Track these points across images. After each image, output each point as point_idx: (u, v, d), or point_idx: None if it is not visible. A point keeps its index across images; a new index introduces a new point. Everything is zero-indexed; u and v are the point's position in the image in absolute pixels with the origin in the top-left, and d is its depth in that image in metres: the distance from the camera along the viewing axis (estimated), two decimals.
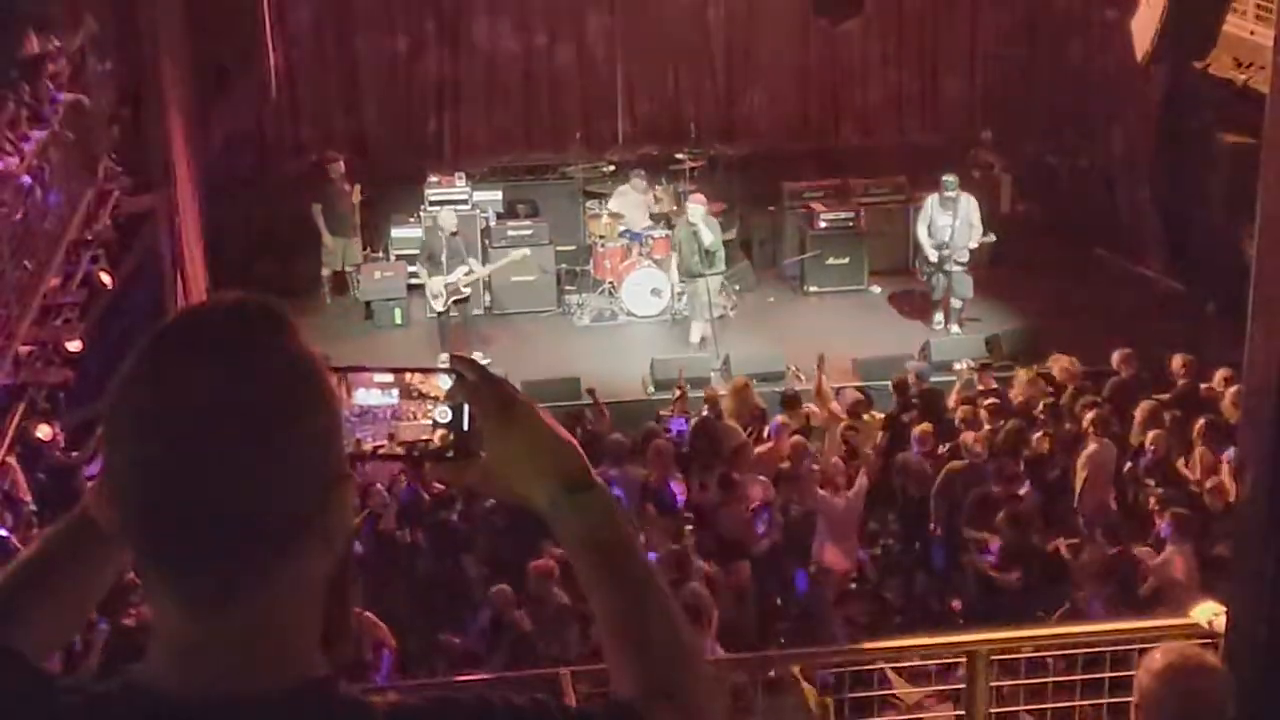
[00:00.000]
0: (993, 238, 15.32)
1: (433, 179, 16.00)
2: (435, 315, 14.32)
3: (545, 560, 8.57)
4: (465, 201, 15.73)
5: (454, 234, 14.33)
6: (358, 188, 15.89)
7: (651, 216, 15.86)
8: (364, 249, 15.96)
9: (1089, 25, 16.97)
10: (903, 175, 16.36)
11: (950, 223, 14.65)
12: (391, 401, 1.67)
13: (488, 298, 15.62)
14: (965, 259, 14.72)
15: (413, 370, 1.69)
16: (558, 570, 8.47)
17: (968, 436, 10.90)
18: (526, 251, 15.12)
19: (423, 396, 1.65)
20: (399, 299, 15.31)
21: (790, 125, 17.87)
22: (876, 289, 16.02)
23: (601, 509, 1.59)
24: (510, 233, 15.60)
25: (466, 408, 1.61)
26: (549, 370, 13.34)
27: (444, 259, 14.15)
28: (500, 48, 17.32)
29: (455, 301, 14.24)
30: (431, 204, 15.49)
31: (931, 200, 14.84)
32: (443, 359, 13.91)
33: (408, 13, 17.12)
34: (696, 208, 14.34)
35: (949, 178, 14.80)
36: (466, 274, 14.31)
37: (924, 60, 17.69)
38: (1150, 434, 10.57)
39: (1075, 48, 17.28)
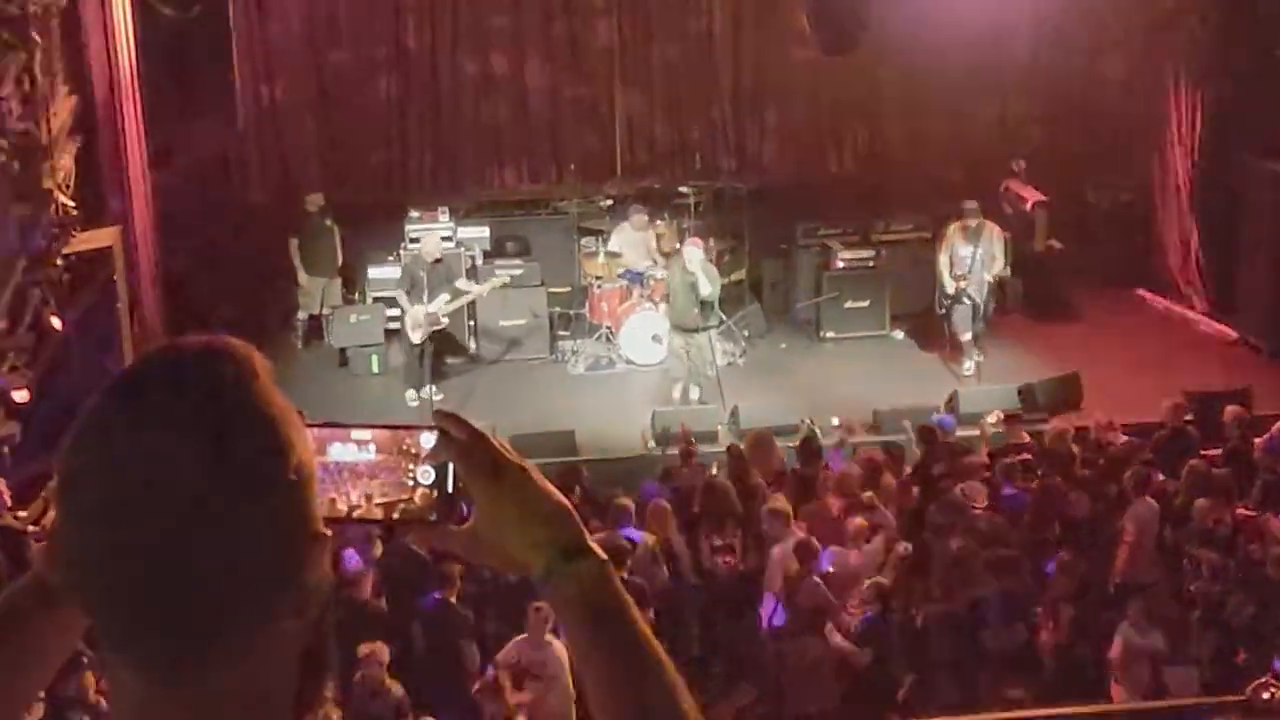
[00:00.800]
0: (1009, 273, 15.37)
1: (414, 214, 16.12)
2: (413, 346, 14.35)
3: (376, 646, 8.72)
4: (450, 238, 15.81)
5: (437, 261, 14.42)
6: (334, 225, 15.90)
7: (652, 256, 15.88)
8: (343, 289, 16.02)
9: (1127, 48, 17.05)
10: (926, 212, 16.49)
11: (971, 253, 14.76)
12: (369, 459, 1.65)
13: (474, 343, 15.68)
14: (984, 293, 14.82)
15: (393, 426, 1.67)
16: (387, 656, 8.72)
17: (970, 487, 10.86)
18: (506, 278, 15.15)
19: (403, 454, 1.65)
20: (376, 345, 15.35)
21: (804, 156, 17.90)
22: (898, 334, 16.08)
23: (597, 576, 1.60)
24: (498, 272, 15.61)
25: (451, 467, 1.62)
26: (540, 422, 13.34)
27: (425, 288, 14.21)
28: (489, 73, 17.38)
29: (434, 332, 14.34)
30: (412, 241, 15.55)
31: (953, 229, 14.95)
32: (409, 397, 13.82)
33: (389, 38, 17.17)
34: (694, 252, 14.04)
35: (970, 204, 14.89)
36: (447, 303, 14.39)
37: (948, 86, 17.68)
38: (1197, 502, 10.51)
39: (1112, 72, 17.34)
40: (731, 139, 17.85)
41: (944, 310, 15.06)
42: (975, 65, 17.47)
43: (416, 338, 14.27)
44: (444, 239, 15.48)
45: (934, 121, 17.60)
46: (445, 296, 14.37)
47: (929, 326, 15.64)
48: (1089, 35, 17.24)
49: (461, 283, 14.74)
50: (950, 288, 14.82)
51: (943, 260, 14.94)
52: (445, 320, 14.48)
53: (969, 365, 14.88)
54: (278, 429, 1.38)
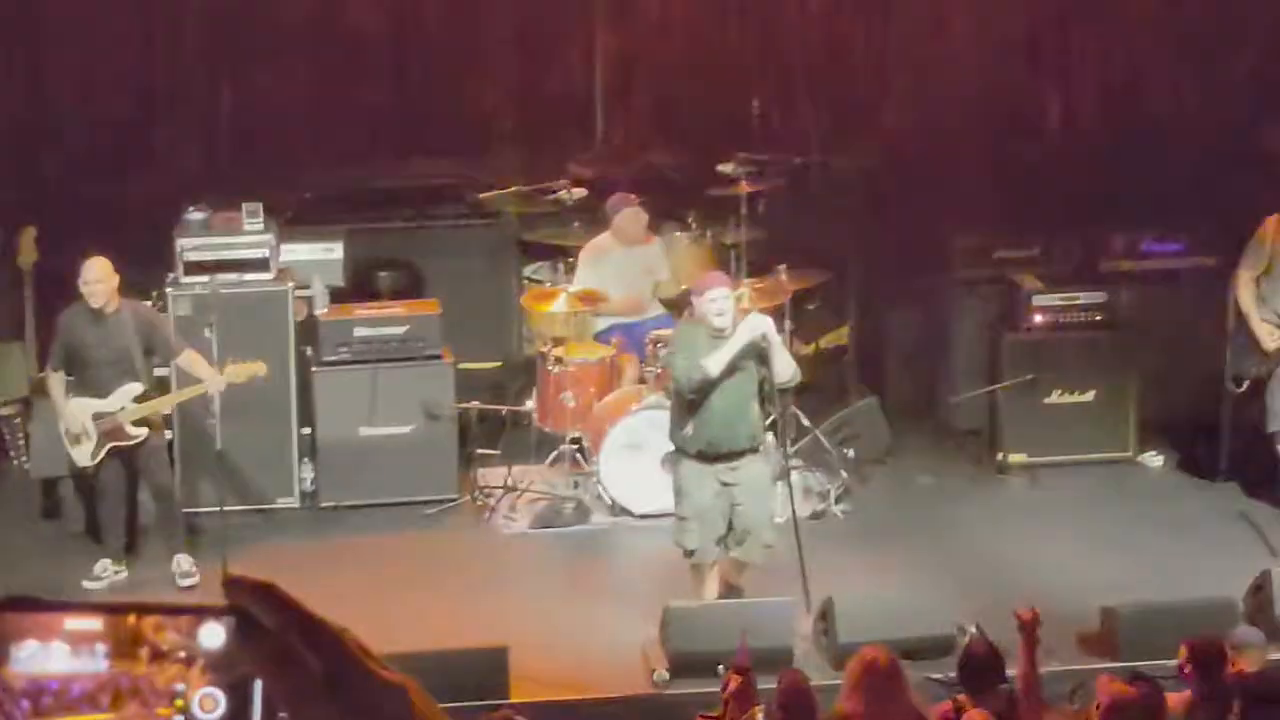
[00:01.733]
0: None
1: (196, 215, 16.24)
2: (82, 474, 14.67)
3: None
4: (264, 264, 16.01)
5: (101, 308, 14.37)
6: (30, 232, 16.20)
7: (663, 298, 16.37)
8: (40, 370, 15.83)
9: None
10: (1207, 219, 17.10)
11: None
12: (96, 670, 1.76)
13: (308, 475, 15.89)
14: None
15: (146, 608, 1.79)
16: None
17: None
18: (261, 367, 14.90)
19: (164, 659, 1.76)
20: None
21: (956, 113, 18.06)
22: (1156, 458, 16.65)
23: None
24: (362, 330, 15.79)
25: (258, 685, 1.79)
26: (448, 631, 13.54)
27: (96, 367, 14.47)
28: None
29: (114, 450, 14.45)
30: (189, 267, 15.79)
31: (1275, 228, 15.37)
32: (96, 573, 13.84)
33: None
34: (759, 321, 13.60)
35: None
36: (139, 399, 14.50)
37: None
38: None
39: None
40: (818, 75, 18.68)
41: (1243, 387, 15.40)
42: None
43: (81, 458, 14.47)
44: (249, 266, 16.00)
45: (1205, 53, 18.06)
46: (135, 387, 14.39)
47: (1214, 440, 16.05)
48: None
49: (186, 360, 14.77)
50: (1272, 343, 14.93)
51: (1248, 287, 15.15)
52: (137, 432, 14.47)
53: None
54: None
